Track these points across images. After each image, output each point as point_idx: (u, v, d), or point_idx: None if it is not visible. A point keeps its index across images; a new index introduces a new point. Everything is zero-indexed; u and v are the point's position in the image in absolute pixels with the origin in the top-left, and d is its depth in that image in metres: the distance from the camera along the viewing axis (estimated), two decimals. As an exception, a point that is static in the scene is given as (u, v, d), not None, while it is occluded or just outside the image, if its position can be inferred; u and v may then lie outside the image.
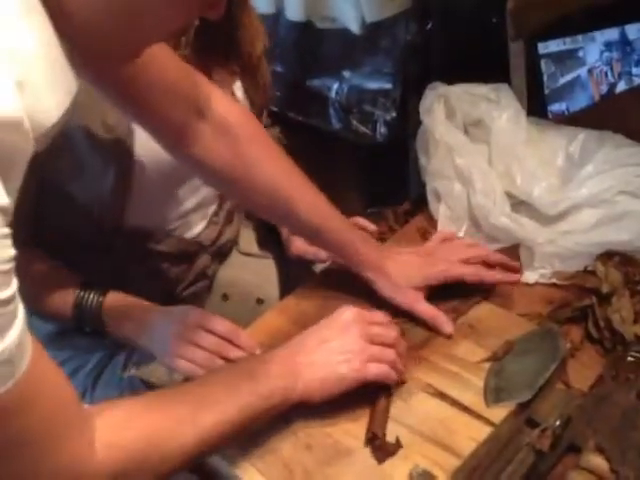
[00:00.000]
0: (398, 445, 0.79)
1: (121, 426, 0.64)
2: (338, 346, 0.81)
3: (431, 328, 0.94)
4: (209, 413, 0.71)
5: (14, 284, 0.51)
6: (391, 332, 0.85)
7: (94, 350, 1.05)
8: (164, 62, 0.81)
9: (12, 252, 0.50)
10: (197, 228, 1.08)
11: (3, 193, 0.48)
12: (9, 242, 0.49)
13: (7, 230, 0.49)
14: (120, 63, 0.69)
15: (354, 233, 0.98)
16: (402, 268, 0.95)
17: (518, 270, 1.00)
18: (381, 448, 0.78)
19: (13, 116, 0.46)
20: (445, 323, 0.93)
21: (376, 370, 0.81)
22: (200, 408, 0.71)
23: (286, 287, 1.18)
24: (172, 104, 0.84)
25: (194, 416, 0.70)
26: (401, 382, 0.85)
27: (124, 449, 0.63)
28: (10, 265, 0.50)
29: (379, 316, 0.87)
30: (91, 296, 0.95)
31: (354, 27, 1.77)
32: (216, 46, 1.00)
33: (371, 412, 0.82)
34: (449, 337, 0.93)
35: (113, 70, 0.73)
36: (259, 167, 0.92)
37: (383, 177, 1.84)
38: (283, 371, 0.78)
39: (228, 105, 0.91)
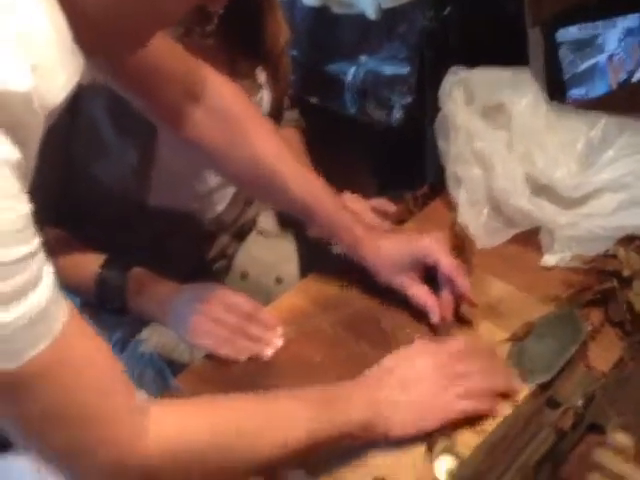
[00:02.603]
0: None
1: (185, 419, 0.63)
2: (421, 388, 0.79)
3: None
4: (278, 430, 0.69)
5: (34, 242, 0.50)
6: (475, 373, 0.82)
7: (116, 327, 1.06)
8: (159, 48, 0.81)
9: (27, 209, 0.49)
10: (218, 208, 1.09)
11: (15, 149, 0.48)
12: (24, 198, 0.49)
13: (20, 186, 0.48)
14: (121, 53, 0.68)
15: (346, 215, 0.95)
16: (388, 246, 0.93)
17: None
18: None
19: (24, 93, 0.47)
20: (435, 312, 0.91)
21: (462, 407, 0.79)
22: (269, 421, 0.69)
23: (305, 267, 1.18)
24: (166, 88, 0.86)
25: (261, 429, 0.68)
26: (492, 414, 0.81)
27: (182, 443, 0.61)
28: (24, 222, 0.49)
29: (457, 344, 0.85)
30: (114, 274, 0.95)
31: (370, 12, 1.77)
32: (240, 37, 1.00)
33: None
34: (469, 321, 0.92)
35: (112, 57, 0.73)
36: (246, 145, 0.92)
37: (398, 161, 1.84)
38: (365, 405, 0.75)
39: (221, 87, 0.92)
